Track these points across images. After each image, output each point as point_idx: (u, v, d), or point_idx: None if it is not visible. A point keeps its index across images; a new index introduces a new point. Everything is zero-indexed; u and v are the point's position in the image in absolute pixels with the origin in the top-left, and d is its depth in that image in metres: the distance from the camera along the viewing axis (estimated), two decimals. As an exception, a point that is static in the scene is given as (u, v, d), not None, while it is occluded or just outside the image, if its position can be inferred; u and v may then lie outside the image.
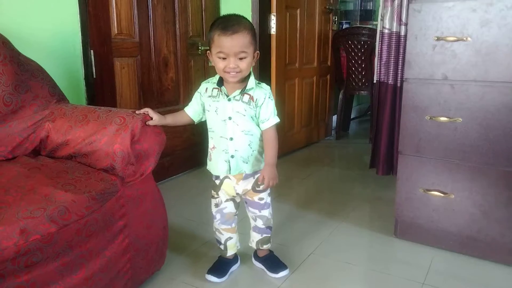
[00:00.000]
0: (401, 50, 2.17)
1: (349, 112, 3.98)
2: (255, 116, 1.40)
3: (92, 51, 1.95)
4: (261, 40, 2.76)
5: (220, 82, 1.39)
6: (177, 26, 2.45)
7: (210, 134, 1.45)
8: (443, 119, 1.63)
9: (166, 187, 2.46)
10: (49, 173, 1.24)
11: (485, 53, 1.51)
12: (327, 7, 3.39)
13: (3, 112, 1.38)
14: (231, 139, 1.39)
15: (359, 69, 3.46)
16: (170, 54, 2.45)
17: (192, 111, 1.48)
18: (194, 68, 2.63)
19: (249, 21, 1.37)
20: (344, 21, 3.96)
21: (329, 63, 3.57)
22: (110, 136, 1.32)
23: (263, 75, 2.83)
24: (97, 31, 1.98)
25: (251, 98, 1.38)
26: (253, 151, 1.43)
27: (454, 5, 1.54)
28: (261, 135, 1.43)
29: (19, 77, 1.44)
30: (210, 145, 1.46)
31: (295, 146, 3.27)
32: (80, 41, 1.92)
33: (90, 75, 1.97)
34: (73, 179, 1.21)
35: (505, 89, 1.50)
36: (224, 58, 1.31)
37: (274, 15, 2.78)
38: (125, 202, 1.30)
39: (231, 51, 1.29)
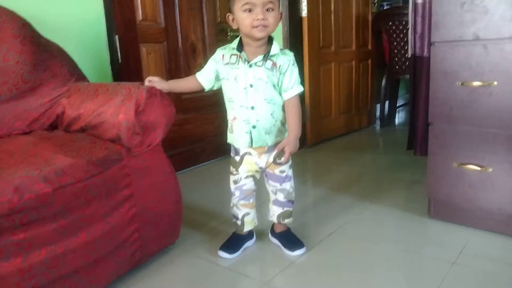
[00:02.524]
0: (436, 18, 2.00)
1: (394, 100, 3.78)
2: (277, 84, 1.33)
3: (117, 36, 2.01)
4: (292, 23, 2.70)
5: (240, 47, 1.33)
6: (204, 12, 2.46)
7: (229, 105, 1.39)
8: (476, 83, 1.47)
9: (197, 173, 2.48)
10: (56, 142, 1.27)
11: (521, 5, 1.35)
12: (365, -12, 3.25)
13: (22, 89, 1.45)
14: (253, 108, 1.33)
15: (402, 52, 3.27)
16: (198, 41, 2.46)
17: (204, 78, 1.42)
18: (224, 54, 2.63)
19: None
20: (385, 3, 3.77)
21: (369, 47, 3.41)
22: (116, 107, 1.33)
23: (295, 58, 2.76)
24: (121, 17, 2.03)
25: (274, 64, 1.31)
26: (275, 121, 1.36)
27: (484, -45, 1.39)
28: (283, 105, 1.37)
29: (39, 56, 1.50)
30: (231, 116, 1.39)
31: (333, 133, 3.15)
32: (105, 26, 1.98)
33: (116, 60, 2.02)
34: (78, 147, 1.23)
35: (546, 44, 1.32)
36: (250, 11, 1.25)
37: (305, -4, 2.71)
38: (130, 172, 1.30)
39: (259, 1, 1.23)
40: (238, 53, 1.32)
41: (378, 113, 3.68)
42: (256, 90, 1.32)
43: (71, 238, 1.11)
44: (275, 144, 1.38)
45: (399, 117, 3.95)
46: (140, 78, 2.15)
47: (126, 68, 2.07)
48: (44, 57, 1.52)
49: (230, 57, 1.35)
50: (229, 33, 2.62)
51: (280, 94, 1.35)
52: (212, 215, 1.84)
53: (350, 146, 3.04)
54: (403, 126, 3.58)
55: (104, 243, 1.20)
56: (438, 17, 1.53)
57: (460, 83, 1.51)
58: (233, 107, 1.37)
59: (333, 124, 3.14)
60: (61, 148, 1.21)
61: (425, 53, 2.10)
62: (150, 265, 1.42)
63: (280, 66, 1.31)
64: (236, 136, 1.39)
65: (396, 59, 3.33)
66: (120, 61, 2.03)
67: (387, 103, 3.64)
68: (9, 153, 1.16)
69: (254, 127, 1.35)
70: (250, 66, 1.31)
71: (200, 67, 2.49)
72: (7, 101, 1.40)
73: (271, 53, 1.31)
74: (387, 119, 3.69)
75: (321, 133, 3.01)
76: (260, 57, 1.31)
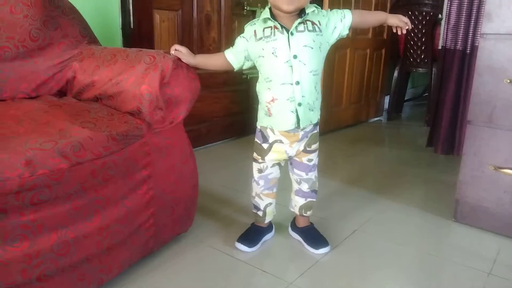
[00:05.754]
0: (474, 9, 1.88)
1: (403, 93, 3.67)
2: (327, 43, 1.22)
3: (131, -1, 1.83)
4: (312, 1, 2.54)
5: (273, 17, 1.18)
6: (223, -19, 2.29)
7: (265, 85, 1.22)
8: (527, 82, 1.36)
9: (202, 154, 2.34)
10: (69, 111, 1.12)
11: None
12: (387, -27, 3.10)
13: (29, 48, 1.28)
14: (298, 83, 1.18)
15: (418, 43, 3.16)
16: (213, 12, 2.29)
17: (234, 57, 1.27)
18: (238, 30, 2.46)
19: None
20: (404, -9, 3.64)
21: (385, 36, 3.28)
22: (138, 76, 1.18)
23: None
24: (137, -22, 1.85)
25: (314, 23, 1.17)
26: (317, 94, 1.24)
27: None
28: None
29: (49, 12, 1.33)
30: (267, 98, 1.22)
31: (341, 123, 3.04)
32: (119, -13, 1.80)
33: (128, 25, 1.85)
34: (94, 118, 1.08)
35: None
36: None
37: (328, -25, 2.55)
38: (150, 150, 1.16)
39: None
40: (273, 24, 1.17)
41: (385, 106, 3.58)
42: (301, 62, 1.17)
43: (84, 222, 0.97)
44: (310, 131, 1.27)
45: (405, 112, 3.86)
46: (151, 47, 1.99)
47: (137, 34, 1.90)
48: (55, 13, 1.35)
49: (263, 30, 1.19)
50: (245, 7, 2.45)
51: (323, 59, 1.24)
52: (224, 201, 1.71)
53: (359, 137, 2.93)
54: (410, 121, 3.50)
55: (119, 229, 1.07)
56: (492, 7, 1.40)
57: (508, 81, 1.40)
58: (270, 87, 1.21)
59: (343, 114, 3.03)
60: (75, 118, 1.06)
61: (459, 46, 2.00)
62: (162, 254, 1.30)
63: (319, 21, 1.18)
64: (278, 119, 1.23)
65: (412, 51, 3.21)
66: (132, 26, 1.86)
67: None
68: (17, 120, 1.00)
69: (300, 104, 1.20)
70: (292, 34, 1.16)
71: (213, 41, 2.36)
72: (12, 59, 1.24)
73: (307, 12, 1.17)
74: (395, 113, 3.59)
75: (330, 123, 2.89)
76: (297, 22, 1.16)
